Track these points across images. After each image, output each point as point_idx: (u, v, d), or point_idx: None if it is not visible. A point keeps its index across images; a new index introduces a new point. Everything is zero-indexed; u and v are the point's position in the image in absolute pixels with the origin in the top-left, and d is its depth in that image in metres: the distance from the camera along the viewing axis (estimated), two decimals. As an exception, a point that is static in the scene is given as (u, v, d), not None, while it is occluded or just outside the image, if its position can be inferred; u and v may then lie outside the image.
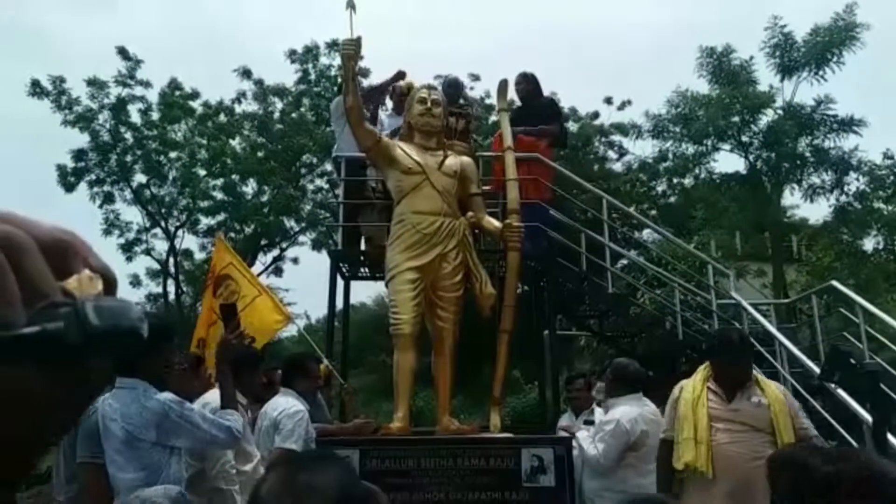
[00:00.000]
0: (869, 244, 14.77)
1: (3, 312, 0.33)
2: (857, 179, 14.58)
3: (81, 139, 16.60)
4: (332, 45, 16.75)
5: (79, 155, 16.65)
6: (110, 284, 0.39)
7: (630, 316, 7.67)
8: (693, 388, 3.67)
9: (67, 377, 0.35)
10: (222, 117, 17.81)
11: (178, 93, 17.32)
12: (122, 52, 16.70)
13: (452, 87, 6.46)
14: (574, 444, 4.38)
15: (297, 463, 1.17)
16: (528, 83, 6.92)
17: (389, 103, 6.99)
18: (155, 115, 17.06)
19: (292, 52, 17.53)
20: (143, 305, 20.01)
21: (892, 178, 14.45)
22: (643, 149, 16.13)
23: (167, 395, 2.84)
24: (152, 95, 17.05)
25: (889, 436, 3.69)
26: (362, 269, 6.80)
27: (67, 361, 0.34)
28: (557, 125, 7.15)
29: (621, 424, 4.06)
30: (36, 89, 16.00)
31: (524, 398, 13.66)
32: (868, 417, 4.32)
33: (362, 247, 6.43)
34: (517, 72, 7.09)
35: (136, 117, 16.93)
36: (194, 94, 17.54)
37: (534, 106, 6.84)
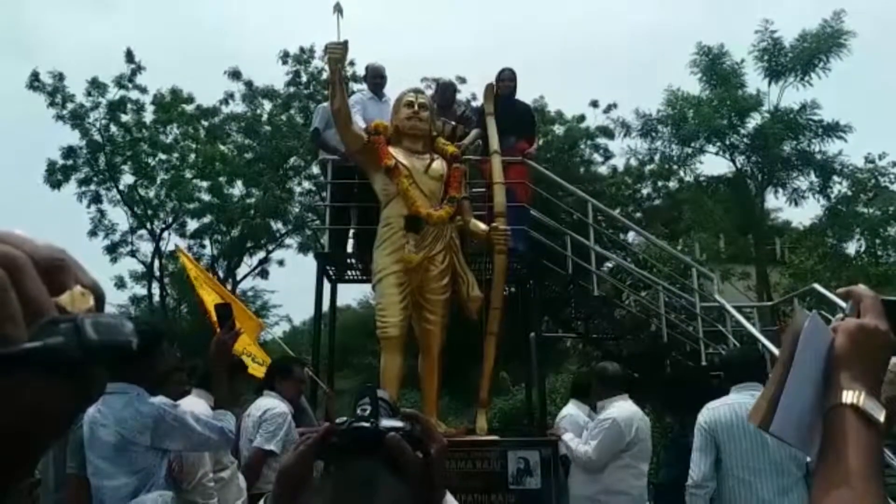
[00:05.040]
0: (851, 247, 14.95)
1: (7, 329, 0.37)
2: (841, 183, 14.77)
3: (71, 138, 16.63)
4: (325, 49, 16.68)
5: (68, 152, 16.60)
6: (99, 299, 0.43)
7: (615, 318, 7.72)
8: None
9: (66, 387, 0.39)
10: (214, 120, 17.75)
11: (173, 96, 17.32)
12: (129, 55, 16.77)
13: (448, 91, 6.46)
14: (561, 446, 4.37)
15: None
16: (514, 81, 6.76)
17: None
18: (147, 117, 17.03)
19: (285, 54, 17.51)
20: (128, 308, 19.86)
21: (873, 181, 14.64)
22: (636, 143, 15.96)
23: (161, 399, 2.83)
24: (147, 99, 17.14)
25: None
26: (349, 272, 6.80)
27: (67, 373, 0.38)
28: (537, 136, 7.37)
29: (617, 423, 3.96)
30: (34, 82, 16.19)
31: (511, 399, 13.69)
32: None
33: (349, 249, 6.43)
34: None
35: (127, 118, 16.92)
36: (189, 99, 17.54)
37: (512, 107, 6.69)
